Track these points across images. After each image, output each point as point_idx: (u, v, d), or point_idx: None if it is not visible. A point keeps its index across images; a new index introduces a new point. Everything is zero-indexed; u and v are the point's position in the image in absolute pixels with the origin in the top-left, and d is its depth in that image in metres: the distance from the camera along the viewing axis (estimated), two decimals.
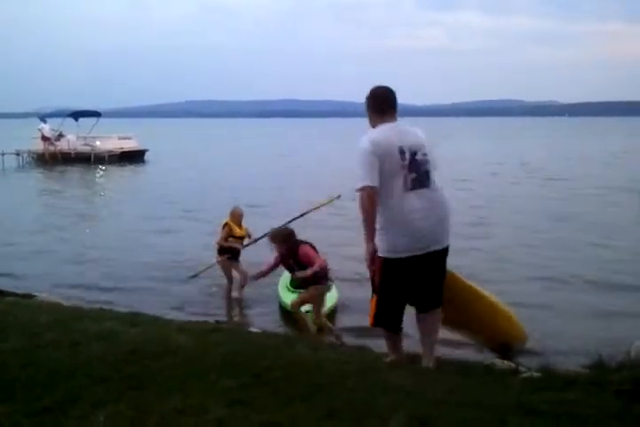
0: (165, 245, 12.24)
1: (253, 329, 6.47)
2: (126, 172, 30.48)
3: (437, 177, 4.09)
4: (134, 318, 6.07)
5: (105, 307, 7.06)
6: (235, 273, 8.84)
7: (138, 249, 12.02)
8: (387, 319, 4.15)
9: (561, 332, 6.98)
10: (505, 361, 4.74)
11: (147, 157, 35.16)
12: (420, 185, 3.95)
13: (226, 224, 8.66)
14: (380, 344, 4.85)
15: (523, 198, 18.85)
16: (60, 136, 34.35)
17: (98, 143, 33.82)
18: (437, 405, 3.17)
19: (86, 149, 33.70)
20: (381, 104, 4.11)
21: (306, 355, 4.30)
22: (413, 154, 3.95)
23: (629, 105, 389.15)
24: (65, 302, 7.30)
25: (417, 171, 3.95)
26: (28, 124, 40.48)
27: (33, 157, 34.83)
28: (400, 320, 4.21)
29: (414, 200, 3.93)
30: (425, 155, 4.02)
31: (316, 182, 21.83)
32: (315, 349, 4.64)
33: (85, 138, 34.56)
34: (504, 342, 5.52)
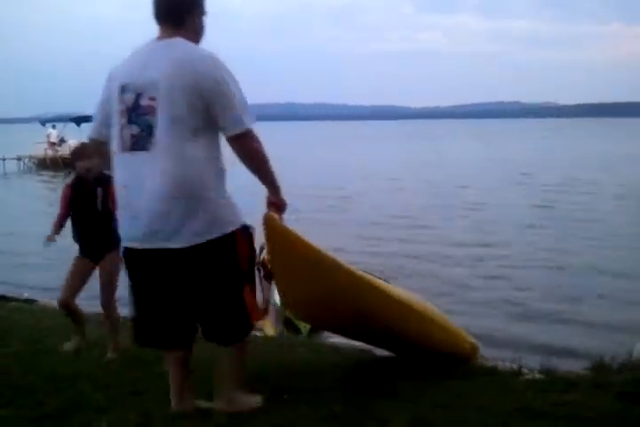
0: None
1: (257, 333, 6.45)
2: None
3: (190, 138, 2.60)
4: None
5: None
6: None
7: None
8: (145, 334, 3.00)
9: (562, 333, 6.98)
10: (507, 363, 4.74)
11: None
12: (138, 145, 2.62)
13: None
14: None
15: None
16: (62, 141, 34.39)
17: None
18: (439, 408, 3.18)
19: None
20: (153, 11, 2.71)
21: (306, 358, 4.30)
22: (138, 96, 2.59)
23: (630, 106, 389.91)
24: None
25: (138, 123, 2.61)
26: (31, 130, 40.43)
27: (34, 163, 34.85)
28: (171, 333, 2.92)
29: (122, 168, 2.71)
30: (153, 99, 2.55)
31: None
32: (317, 352, 4.65)
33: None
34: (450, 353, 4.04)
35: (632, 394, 3.30)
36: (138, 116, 2.59)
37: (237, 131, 2.62)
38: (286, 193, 2.97)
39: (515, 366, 4.15)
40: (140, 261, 2.78)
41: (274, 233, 3.03)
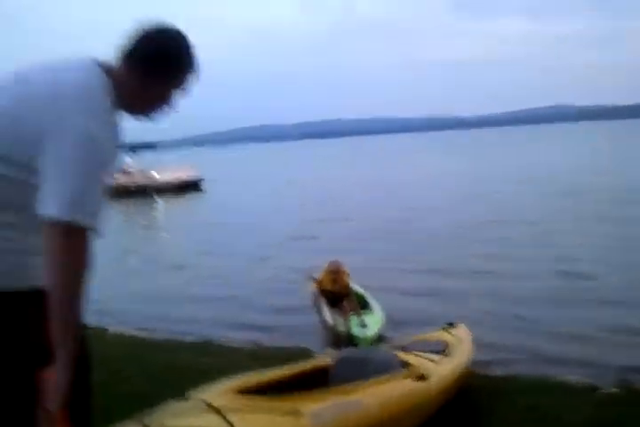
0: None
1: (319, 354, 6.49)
2: (182, 203, 31.07)
3: None
4: (205, 347, 6.22)
5: (177, 338, 7.19)
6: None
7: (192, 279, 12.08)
8: None
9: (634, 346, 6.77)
10: (582, 378, 4.65)
11: (204, 186, 35.77)
12: None
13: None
14: None
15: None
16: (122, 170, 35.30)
17: (156, 175, 34.73)
18: (516, 423, 3.14)
19: (145, 181, 34.59)
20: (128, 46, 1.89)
21: None
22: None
23: None
24: (138, 334, 7.49)
25: None
26: None
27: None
28: None
29: None
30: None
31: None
32: None
33: (143, 170, 35.51)
34: None
35: None
36: None
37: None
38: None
39: (590, 381, 4.07)
40: None
41: None
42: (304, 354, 5.98)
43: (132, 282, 11.91)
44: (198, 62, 1.98)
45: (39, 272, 1.68)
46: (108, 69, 1.86)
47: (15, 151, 1.72)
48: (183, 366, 4.89)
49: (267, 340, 7.55)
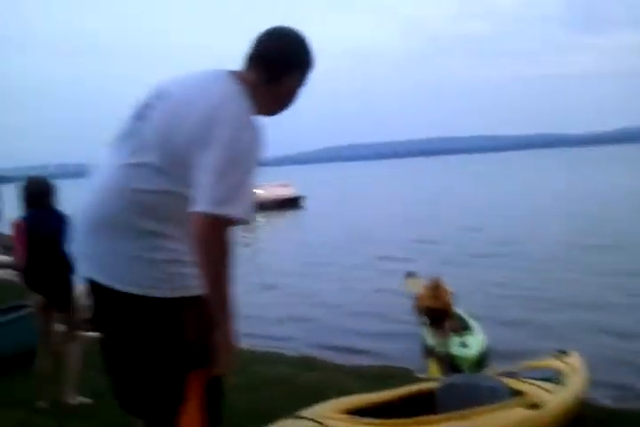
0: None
1: (421, 375, 6.36)
2: (283, 219, 31.53)
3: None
4: (306, 362, 6.24)
5: (276, 351, 7.26)
6: None
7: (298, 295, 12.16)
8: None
9: None
10: None
11: (304, 203, 36.18)
12: (112, 150, 2.06)
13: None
14: None
15: None
16: None
17: (259, 191, 35.45)
18: None
19: None
20: (251, 50, 2.07)
21: None
22: (150, 103, 2.01)
23: None
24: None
25: (128, 128, 2.05)
26: None
27: None
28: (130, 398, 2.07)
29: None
30: (152, 109, 1.98)
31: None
32: None
33: None
34: None
35: None
36: (133, 120, 2.05)
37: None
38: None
39: None
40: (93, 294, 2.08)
41: None
42: (404, 374, 5.88)
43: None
44: (315, 59, 2.11)
45: (195, 281, 1.87)
46: (239, 77, 1.98)
47: (172, 165, 1.88)
48: (284, 379, 4.91)
49: (366, 357, 7.51)
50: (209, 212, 1.78)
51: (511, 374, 3.98)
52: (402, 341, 8.39)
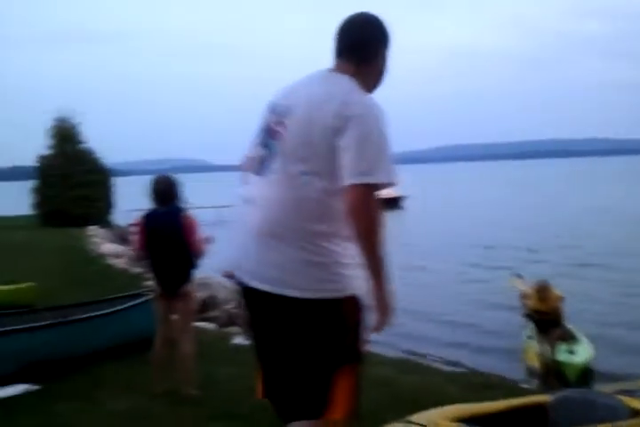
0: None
1: (525, 386, 6.15)
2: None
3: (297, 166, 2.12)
4: (404, 365, 6.19)
5: (377, 352, 7.25)
6: None
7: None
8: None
9: None
10: None
11: (404, 203, 35.80)
12: (261, 170, 2.24)
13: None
14: None
15: None
16: None
17: None
18: None
19: None
20: (337, 44, 2.28)
21: None
22: (278, 121, 2.21)
23: None
24: None
25: (267, 147, 2.24)
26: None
27: None
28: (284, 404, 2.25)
29: (246, 190, 2.32)
30: (283, 125, 2.18)
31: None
32: None
33: None
34: None
35: None
36: (267, 139, 2.24)
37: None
38: None
39: None
40: (249, 301, 2.29)
41: None
42: (502, 383, 5.70)
43: None
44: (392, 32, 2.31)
45: (355, 281, 2.09)
46: (340, 71, 2.22)
47: (321, 163, 2.08)
48: (384, 381, 4.89)
49: (467, 361, 7.36)
50: (357, 182, 1.99)
51: (628, 393, 3.76)
52: (501, 353, 8.15)
